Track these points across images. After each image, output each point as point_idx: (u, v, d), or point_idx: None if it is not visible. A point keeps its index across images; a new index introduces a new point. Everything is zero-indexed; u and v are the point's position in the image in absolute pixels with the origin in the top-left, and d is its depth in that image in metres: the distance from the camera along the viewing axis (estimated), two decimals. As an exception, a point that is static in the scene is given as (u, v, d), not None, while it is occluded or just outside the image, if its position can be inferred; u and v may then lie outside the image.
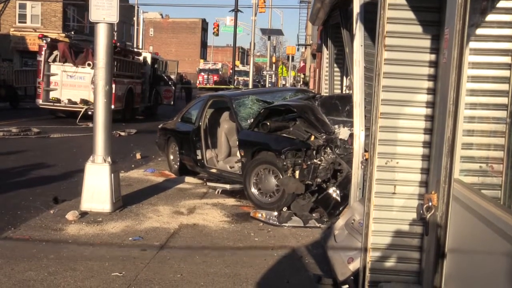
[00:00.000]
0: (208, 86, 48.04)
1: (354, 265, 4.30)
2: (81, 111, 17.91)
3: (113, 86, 15.58)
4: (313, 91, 13.72)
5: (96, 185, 6.88)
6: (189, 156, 9.10)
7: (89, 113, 16.79)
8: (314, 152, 6.98)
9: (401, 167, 3.75)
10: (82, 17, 34.31)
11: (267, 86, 41.79)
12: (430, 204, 2.99)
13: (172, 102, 24.32)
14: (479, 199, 2.61)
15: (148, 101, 22.94)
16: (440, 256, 2.99)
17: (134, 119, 20.26)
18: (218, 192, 8.31)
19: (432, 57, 3.64)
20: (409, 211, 3.71)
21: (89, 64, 18.12)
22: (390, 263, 3.82)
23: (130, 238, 5.93)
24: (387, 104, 3.72)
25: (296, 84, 45.96)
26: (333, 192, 6.82)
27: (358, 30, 5.53)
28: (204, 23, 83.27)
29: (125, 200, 7.38)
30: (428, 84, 3.69)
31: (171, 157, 9.87)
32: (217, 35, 41.37)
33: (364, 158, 5.43)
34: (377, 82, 3.73)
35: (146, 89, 22.53)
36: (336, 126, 7.47)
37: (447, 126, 2.92)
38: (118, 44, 21.09)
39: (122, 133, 15.80)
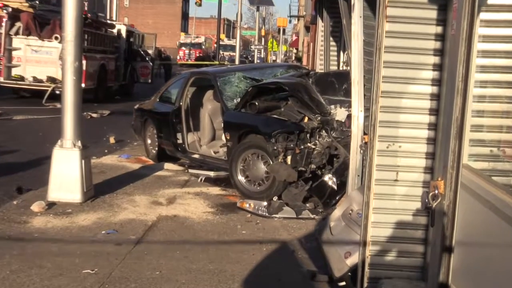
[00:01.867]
0: (189, 62, 47.74)
1: (352, 260, 4.32)
2: (47, 90, 17.75)
3: (84, 62, 15.55)
4: (307, 68, 13.69)
5: (65, 173, 6.86)
6: (168, 140, 9.10)
7: (57, 92, 16.65)
8: (307, 135, 7.00)
9: (404, 152, 3.77)
10: (48, -16, 33.91)
11: (255, 62, 41.69)
12: (436, 192, 2.99)
13: (149, 80, 24.17)
14: (490, 186, 2.62)
15: (123, 79, 22.78)
16: (446, 249, 3.01)
17: (107, 99, 20.12)
18: (201, 180, 8.31)
19: (439, 29, 3.63)
20: (413, 200, 3.72)
21: (56, 38, 17.91)
22: (391, 258, 3.85)
23: (103, 232, 5.93)
24: (389, 81, 3.74)
25: (287, 60, 45.98)
26: (329, 179, 6.82)
27: (357, -1, 5.52)
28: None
29: (98, 189, 7.37)
30: (434, 59, 3.68)
31: (149, 141, 9.87)
32: (200, 5, 41.04)
33: (363, 141, 5.44)
34: (378, 57, 3.72)
35: (120, 65, 22.37)
36: (332, 107, 7.47)
37: (455, 105, 2.91)
38: (89, 15, 20.85)
39: (94, 115, 15.72)
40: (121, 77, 22.49)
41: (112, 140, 11.71)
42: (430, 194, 3.02)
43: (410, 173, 3.77)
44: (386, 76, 3.73)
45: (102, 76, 20.07)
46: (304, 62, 31.70)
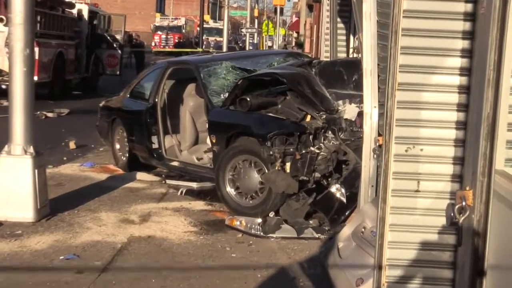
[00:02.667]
0: (167, 49, 47.65)
1: (365, 288, 4.29)
2: (-9, 84, 17.69)
3: (36, 49, 15.45)
4: (310, 55, 13.78)
5: (14, 185, 6.86)
6: (141, 144, 9.11)
7: (3, 86, 16.61)
8: (310, 137, 7.00)
9: (427, 156, 3.73)
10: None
11: (247, 49, 41.73)
12: (463, 204, 3.00)
13: (118, 72, 24.20)
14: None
15: (85, 71, 22.76)
16: (477, 274, 3.00)
17: (65, 94, 20.10)
18: (182, 192, 8.31)
19: (469, 7, 3.57)
20: (438, 215, 3.66)
21: (1, 20, 17.88)
22: (412, 285, 3.79)
23: (61, 257, 5.92)
24: (408, 71, 3.71)
25: (287, 46, 46.05)
26: (337, 191, 6.85)
27: (370, -28, 5.57)
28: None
29: (55, 205, 7.37)
30: (463, 43, 3.62)
31: (117, 146, 9.89)
32: (179, -21, 41.09)
33: (378, 144, 5.41)
34: (394, 41, 3.67)
35: (82, 54, 22.35)
36: (340, 102, 7.47)
37: (485, 99, 2.91)
38: (43, -8, 20.84)
39: (50, 114, 15.72)
40: (82, 68, 22.46)
41: (72, 145, 11.68)
42: (457, 206, 3.02)
43: (434, 182, 3.73)
44: (404, 64, 3.68)
45: (59, 67, 20.03)
46: (306, 48, 31.78)
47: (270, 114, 7.47)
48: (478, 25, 3.37)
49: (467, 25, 3.62)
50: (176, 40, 51.11)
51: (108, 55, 24.11)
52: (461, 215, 3.01)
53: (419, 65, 3.70)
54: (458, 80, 3.68)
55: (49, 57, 19.31)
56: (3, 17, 17.46)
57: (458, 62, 3.67)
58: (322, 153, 6.99)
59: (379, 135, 5.50)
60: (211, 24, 61.85)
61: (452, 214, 3.04)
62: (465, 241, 3.06)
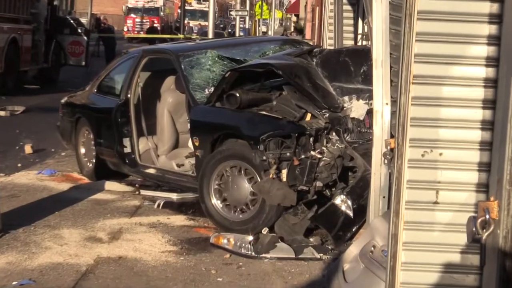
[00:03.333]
0: (142, 35, 47.52)
1: (375, 318, 4.35)
2: None
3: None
4: (311, 43, 13.78)
5: (-42, 197, 6.82)
6: (111, 148, 9.08)
7: None
8: (311, 139, 6.98)
9: (447, 161, 3.72)
10: None
11: (237, 35, 41.56)
12: (487, 217, 3.01)
13: (83, 62, 24.07)
14: None
15: (44, 60, 22.65)
16: (505, 300, 3.02)
17: (20, 89, 20.01)
18: (159, 205, 8.29)
19: None
20: (460, 230, 3.61)
21: None
22: (430, 314, 3.89)
23: (14, 283, 5.91)
24: (425, 61, 3.70)
25: (286, 32, 45.87)
26: (342, 203, 6.87)
27: None
28: None
29: (7, 220, 7.34)
30: (489, 28, 3.62)
31: (82, 150, 9.85)
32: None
33: (389, 147, 5.43)
34: (409, 26, 3.67)
35: (40, 40, 22.22)
36: (346, 98, 7.51)
37: (512, 94, 2.93)
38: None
39: (1, 113, 15.69)
40: (40, 58, 22.32)
41: (28, 149, 11.62)
42: (479, 220, 3.03)
43: (455, 191, 3.72)
44: (420, 53, 3.67)
45: (12, 55, 19.94)
46: (307, 35, 31.67)
47: (263, 113, 7.46)
48: (507, 6, 3.38)
49: (494, 7, 3.63)
50: (153, 25, 51.03)
51: (72, 42, 23.94)
52: (484, 230, 3.01)
53: (437, 54, 3.69)
54: (484, 71, 3.68)
55: (0, 44, 19.23)
56: None
57: (484, 50, 3.67)
58: (324, 158, 6.95)
59: (391, 137, 5.54)
60: (194, 5, 61.73)
61: (474, 229, 3.05)
62: (489, 260, 3.07)
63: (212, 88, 8.04)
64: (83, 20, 25.51)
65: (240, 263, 6.53)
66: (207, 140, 7.60)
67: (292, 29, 47.10)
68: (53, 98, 13.98)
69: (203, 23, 48.53)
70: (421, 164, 3.75)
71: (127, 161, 8.93)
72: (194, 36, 36.59)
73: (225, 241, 6.93)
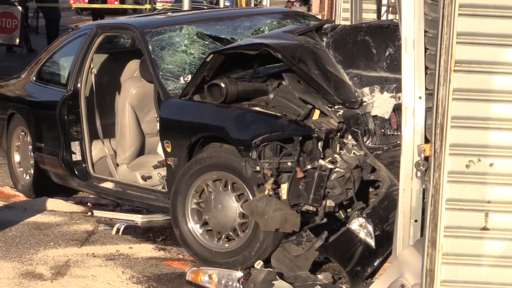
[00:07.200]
0: (94, 5, 46.81)
1: None
2: None
3: None
4: (319, 17, 13.78)
5: None
6: (55, 155, 8.61)
7: None
8: (319, 144, 6.63)
9: (499, 175, 3.87)
10: None
11: (221, 5, 41.25)
12: None
13: (17, 40, 23.50)
14: None
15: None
16: None
17: None
18: (119, 230, 7.88)
19: None
20: None
21: None
22: None
23: None
24: (470, 42, 3.83)
25: (287, 4, 45.63)
26: (361, 228, 6.43)
27: None
28: None
29: None
30: None
31: (17, 157, 9.49)
32: None
33: (423, 156, 5.03)
34: None
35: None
36: (367, 90, 6.96)
37: None
38: None
39: None
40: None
41: None
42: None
43: (511, 214, 3.90)
44: (465, 32, 3.80)
45: None
46: (315, 7, 31.58)
47: (257, 109, 7.19)
48: None
49: None
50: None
51: (1, 14, 23.18)
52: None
53: (487, 33, 3.82)
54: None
55: None
56: None
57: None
58: (337, 169, 6.58)
59: (426, 141, 5.27)
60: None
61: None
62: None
63: (189, 76, 7.66)
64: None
65: (226, 309, 6.29)
66: (183, 144, 7.25)
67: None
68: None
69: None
70: (466, 178, 3.94)
71: (76, 172, 8.51)
72: (162, 6, 36.60)
73: (206, 278, 6.55)
